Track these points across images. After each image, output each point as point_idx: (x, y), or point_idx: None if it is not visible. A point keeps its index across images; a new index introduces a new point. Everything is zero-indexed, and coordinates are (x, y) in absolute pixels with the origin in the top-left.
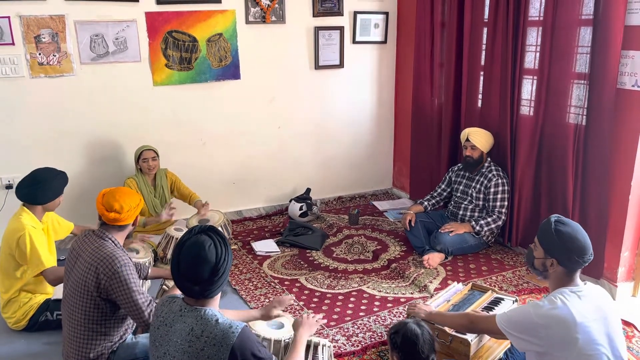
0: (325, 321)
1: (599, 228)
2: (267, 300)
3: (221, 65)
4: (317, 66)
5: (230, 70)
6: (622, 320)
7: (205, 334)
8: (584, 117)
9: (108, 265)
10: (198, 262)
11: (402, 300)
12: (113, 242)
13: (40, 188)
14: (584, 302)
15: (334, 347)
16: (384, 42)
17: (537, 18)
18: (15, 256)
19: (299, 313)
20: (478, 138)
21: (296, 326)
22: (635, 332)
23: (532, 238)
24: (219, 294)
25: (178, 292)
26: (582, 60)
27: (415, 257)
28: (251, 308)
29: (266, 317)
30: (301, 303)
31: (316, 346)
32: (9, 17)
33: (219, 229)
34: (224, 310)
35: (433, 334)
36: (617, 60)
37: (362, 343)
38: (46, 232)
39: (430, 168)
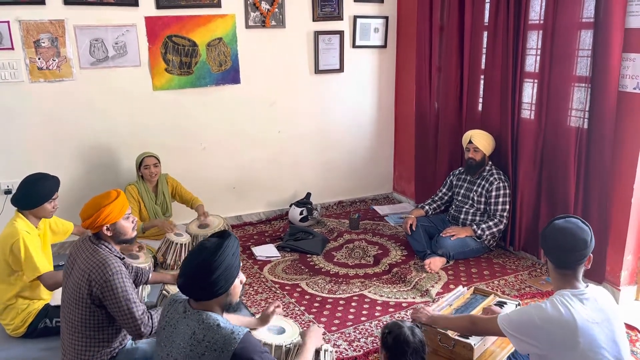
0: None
1: (601, 231)
2: (267, 305)
3: (221, 69)
4: (317, 70)
5: (230, 75)
6: (625, 324)
7: (206, 338)
8: (586, 120)
9: (100, 272)
10: (195, 263)
11: (403, 305)
12: (107, 247)
13: (25, 193)
14: (587, 305)
15: (336, 352)
16: (384, 46)
17: (538, 21)
18: (9, 262)
19: (300, 318)
20: (481, 140)
21: (304, 336)
22: (639, 335)
23: (534, 242)
24: (220, 298)
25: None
26: (583, 63)
27: (416, 262)
28: (252, 313)
29: (265, 322)
30: (302, 308)
31: (318, 351)
32: (8, 22)
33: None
34: (228, 315)
35: (426, 342)
36: (618, 63)
37: (364, 348)
38: (42, 238)
39: (435, 172)
